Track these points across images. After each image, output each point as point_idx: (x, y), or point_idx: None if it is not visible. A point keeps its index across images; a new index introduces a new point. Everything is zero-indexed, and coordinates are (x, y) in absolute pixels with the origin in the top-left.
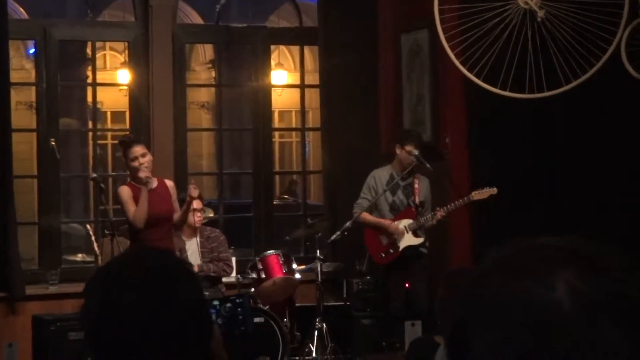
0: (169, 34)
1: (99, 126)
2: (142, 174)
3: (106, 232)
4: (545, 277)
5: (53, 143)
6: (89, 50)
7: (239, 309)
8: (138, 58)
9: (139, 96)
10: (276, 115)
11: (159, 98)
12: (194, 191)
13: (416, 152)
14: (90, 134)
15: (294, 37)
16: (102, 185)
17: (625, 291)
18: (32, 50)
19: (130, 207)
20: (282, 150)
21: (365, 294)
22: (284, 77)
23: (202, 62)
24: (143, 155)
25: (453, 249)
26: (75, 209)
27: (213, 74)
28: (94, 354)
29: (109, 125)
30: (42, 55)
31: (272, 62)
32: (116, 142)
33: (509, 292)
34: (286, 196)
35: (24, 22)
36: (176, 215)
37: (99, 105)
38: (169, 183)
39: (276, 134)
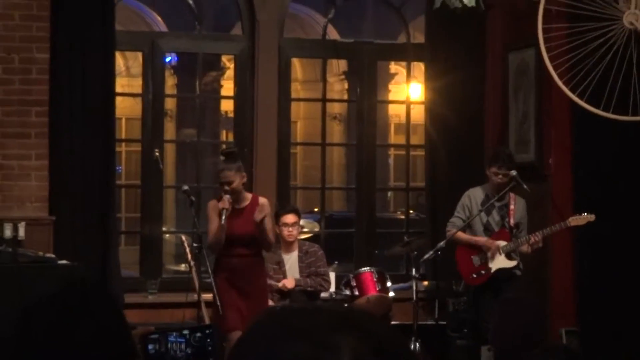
0: (275, 47)
1: (223, 138)
2: (221, 204)
3: (194, 244)
4: (329, 340)
5: (157, 153)
6: (226, 60)
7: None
8: (244, 71)
9: (244, 109)
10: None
11: (263, 111)
12: (258, 215)
13: (514, 172)
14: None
15: (401, 53)
16: (193, 198)
17: (399, 356)
18: (168, 59)
19: (211, 227)
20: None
21: (461, 314)
22: (419, 90)
23: (335, 73)
24: (229, 184)
25: (554, 273)
26: (182, 220)
27: (346, 85)
28: None
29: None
30: (149, 66)
31: (406, 75)
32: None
33: (294, 354)
34: (411, 211)
35: (132, 34)
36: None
37: (231, 115)
38: (262, 200)
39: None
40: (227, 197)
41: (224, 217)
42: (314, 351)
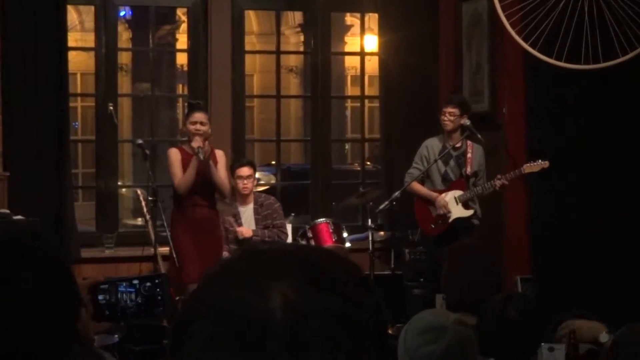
0: None
1: (179, 91)
2: (195, 144)
3: (150, 198)
4: (262, 286)
5: (111, 108)
6: (181, 14)
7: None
8: (197, 24)
9: (198, 62)
10: (366, 80)
11: (217, 64)
12: (195, 142)
13: (468, 122)
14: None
15: (355, 4)
16: (147, 152)
17: (342, 309)
18: (122, 13)
19: (177, 172)
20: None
21: (417, 264)
22: (374, 42)
23: (291, 25)
24: (202, 124)
25: (509, 220)
26: (138, 174)
27: (302, 38)
28: None
29: None
30: (101, 20)
31: (365, 27)
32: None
33: (226, 298)
34: (368, 162)
35: None
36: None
37: (186, 69)
38: (219, 152)
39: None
40: (200, 137)
41: (201, 156)
42: (245, 296)
